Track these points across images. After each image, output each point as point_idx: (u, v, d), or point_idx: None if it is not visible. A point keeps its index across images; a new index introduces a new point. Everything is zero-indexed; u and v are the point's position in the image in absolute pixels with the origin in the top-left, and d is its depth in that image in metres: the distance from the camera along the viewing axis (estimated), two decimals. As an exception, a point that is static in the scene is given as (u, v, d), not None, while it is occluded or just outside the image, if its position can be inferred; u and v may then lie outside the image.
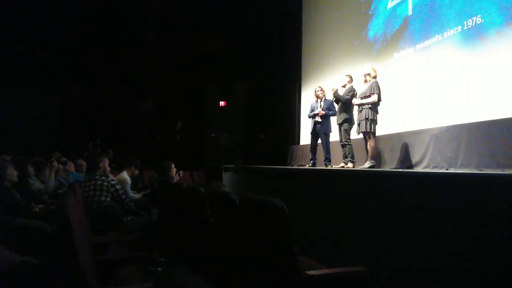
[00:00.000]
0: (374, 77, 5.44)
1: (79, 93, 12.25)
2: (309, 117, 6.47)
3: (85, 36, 11.45)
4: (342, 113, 5.79)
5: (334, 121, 6.15)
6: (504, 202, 2.33)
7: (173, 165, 5.03)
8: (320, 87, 6.46)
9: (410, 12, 6.24)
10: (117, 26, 11.60)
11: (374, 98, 5.32)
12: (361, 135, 5.59)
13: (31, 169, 5.06)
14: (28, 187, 4.62)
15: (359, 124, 5.47)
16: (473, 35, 5.01)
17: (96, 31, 11.45)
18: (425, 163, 5.32)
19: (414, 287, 2.84)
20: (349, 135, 5.77)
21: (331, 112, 6.19)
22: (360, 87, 5.61)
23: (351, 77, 5.93)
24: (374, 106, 5.36)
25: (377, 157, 5.93)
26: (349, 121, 5.75)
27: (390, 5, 6.76)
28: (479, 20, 4.91)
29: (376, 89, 5.34)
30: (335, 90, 5.87)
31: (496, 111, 4.48)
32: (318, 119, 6.26)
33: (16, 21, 10.71)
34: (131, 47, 12.16)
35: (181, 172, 6.08)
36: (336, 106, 6.00)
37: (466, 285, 2.47)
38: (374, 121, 5.36)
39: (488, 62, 4.73)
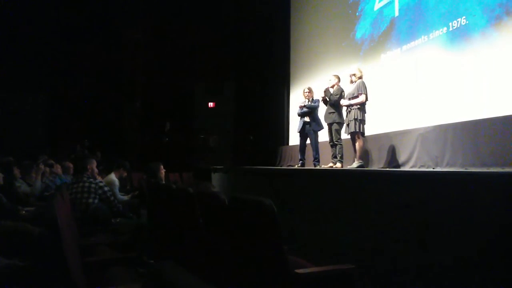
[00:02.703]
0: (360, 78, 5.49)
1: (67, 94, 12.12)
2: (298, 115, 6.50)
3: (73, 36, 11.34)
4: (332, 113, 5.82)
5: (323, 121, 6.17)
6: (488, 199, 2.38)
7: (162, 167, 5.02)
8: (308, 88, 6.49)
9: (396, 13, 6.31)
10: (105, 26, 11.51)
11: (362, 98, 5.36)
12: (348, 135, 5.63)
13: (17, 172, 4.99)
14: (14, 190, 4.56)
15: (348, 125, 5.51)
16: (458, 36, 5.08)
17: (83, 31, 11.34)
18: (412, 162, 5.39)
19: (402, 285, 2.87)
20: (339, 135, 5.81)
21: (314, 105, 6.24)
22: (347, 88, 5.66)
23: (339, 78, 5.96)
24: (362, 106, 5.41)
25: (365, 156, 5.98)
26: (339, 121, 5.79)
27: (377, 6, 6.83)
28: (464, 22, 4.99)
29: (363, 89, 5.39)
30: (327, 90, 5.89)
31: (480, 110, 4.56)
32: (306, 119, 6.29)
33: (1, 22, 10.54)
34: (119, 47, 12.07)
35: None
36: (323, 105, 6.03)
37: (454, 283, 2.51)
38: (362, 121, 5.40)
39: (473, 63, 4.81)
